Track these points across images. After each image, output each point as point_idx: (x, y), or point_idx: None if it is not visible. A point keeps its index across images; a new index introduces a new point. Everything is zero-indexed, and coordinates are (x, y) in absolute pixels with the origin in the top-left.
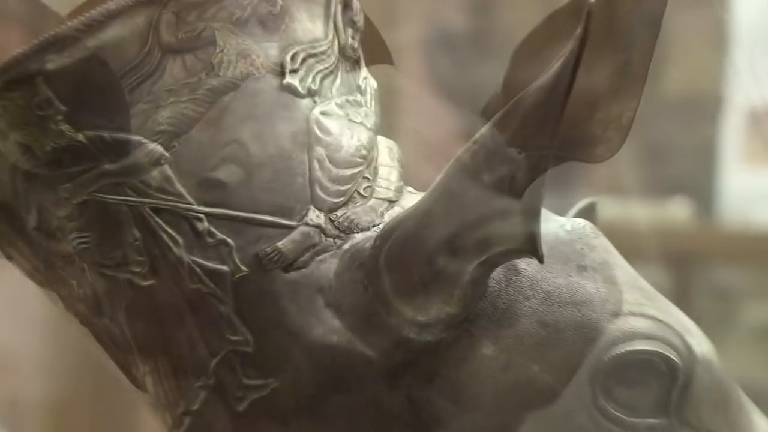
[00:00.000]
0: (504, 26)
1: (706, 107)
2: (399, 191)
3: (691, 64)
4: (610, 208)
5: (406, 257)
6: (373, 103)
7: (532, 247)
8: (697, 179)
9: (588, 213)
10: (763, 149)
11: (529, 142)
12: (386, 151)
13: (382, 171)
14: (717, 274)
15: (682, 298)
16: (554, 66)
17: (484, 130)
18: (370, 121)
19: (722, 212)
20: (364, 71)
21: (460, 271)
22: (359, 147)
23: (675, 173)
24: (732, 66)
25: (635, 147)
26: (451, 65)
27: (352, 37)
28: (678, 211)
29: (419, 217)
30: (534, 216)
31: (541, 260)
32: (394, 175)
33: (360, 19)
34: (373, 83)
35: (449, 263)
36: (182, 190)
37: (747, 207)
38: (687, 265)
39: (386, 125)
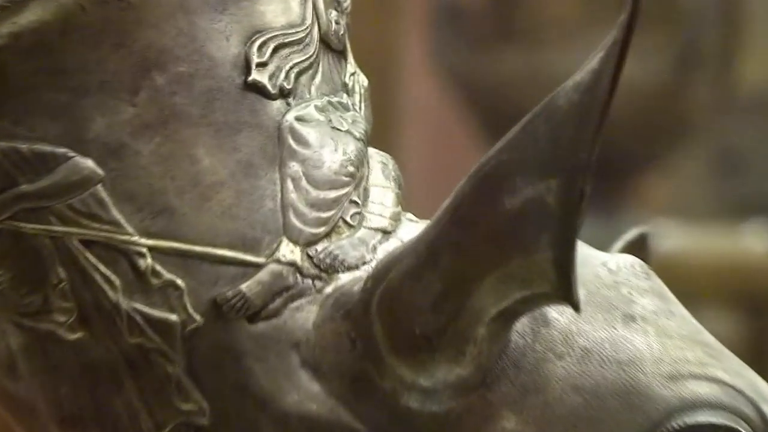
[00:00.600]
0: (528, 2)
1: None
2: (396, 219)
3: None
4: (668, 238)
5: (405, 303)
6: (363, 105)
7: (565, 291)
8: None
9: (638, 246)
10: None
11: (562, 155)
12: (380, 167)
13: (375, 193)
14: None
15: (759, 354)
16: (593, 59)
17: (505, 140)
18: (359, 129)
19: None
20: (351, 65)
21: (474, 322)
22: (345, 162)
23: (754, 190)
24: None
25: (703, 157)
26: (463, 50)
27: (337, 22)
28: (756, 239)
29: (422, 252)
30: (568, 252)
31: (577, 308)
32: (389, 199)
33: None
34: (363, 80)
35: (459, 312)
36: (119, 217)
37: None
38: (767, 311)
39: (380, 134)
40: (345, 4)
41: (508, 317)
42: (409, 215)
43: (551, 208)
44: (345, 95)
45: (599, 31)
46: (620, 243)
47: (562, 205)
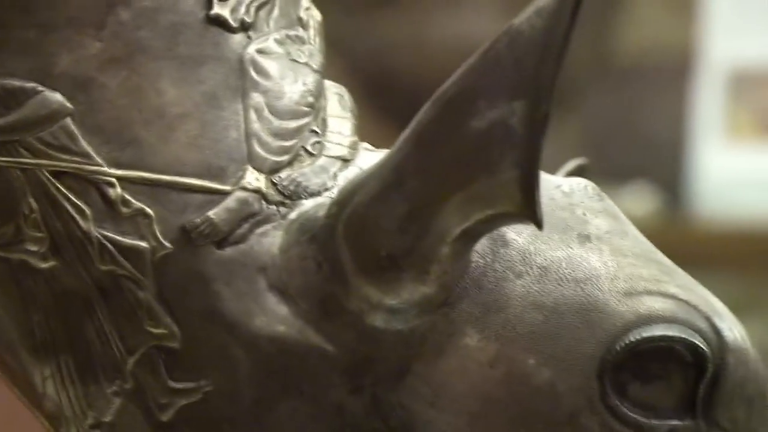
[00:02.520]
0: None
1: (672, 71)
2: (354, 148)
3: (651, 16)
4: None
5: (371, 226)
6: (317, 39)
7: (529, 210)
8: (663, 161)
9: (577, 176)
10: (748, 121)
11: (526, 79)
12: (336, 98)
13: (333, 123)
14: None
15: None
16: None
17: (466, 66)
18: (316, 62)
19: (696, 203)
20: (305, 0)
21: (438, 242)
22: (305, 93)
23: (636, 153)
24: (705, 17)
25: (582, 121)
26: (342, 15)
27: None
28: (640, 201)
29: (386, 176)
30: (532, 171)
31: (540, 226)
32: (346, 128)
33: None
34: (316, 15)
35: (424, 232)
36: (88, 148)
37: (728, 196)
38: None
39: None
40: None
41: (471, 237)
42: (366, 144)
43: (515, 129)
44: (301, 29)
45: None
46: (560, 173)
47: (526, 126)
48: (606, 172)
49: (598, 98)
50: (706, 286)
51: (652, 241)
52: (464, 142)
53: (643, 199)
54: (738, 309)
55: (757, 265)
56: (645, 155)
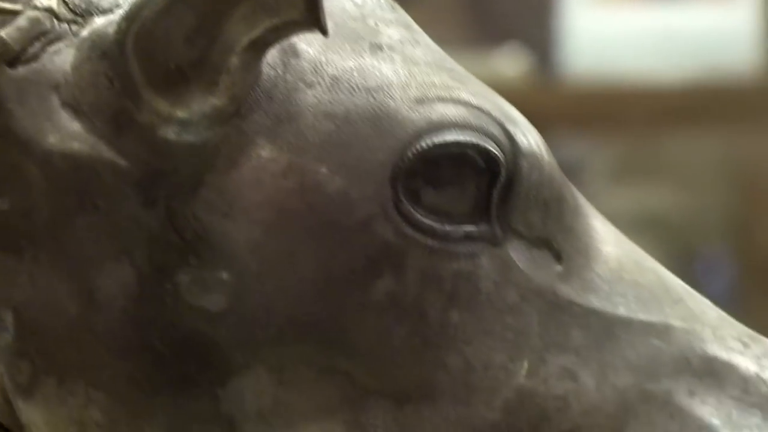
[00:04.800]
0: None
1: None
2: None
3: None
4: None
5: (159, 39)
6: None
7: (313, 16)
8: (534, 22)
9: None
10: None
11: None
12: None
13: None
14: (562, 146)
15: None
16: None
17: None
18: None
19: (566, 63)
20: None
21: (226, 53)
22: None
23: (507, 15)
24: None
25: None
26: None
27: None
28: (508, 63)
29: None
30: None
31: (324, 32)
32: None
33: None
34: None
35: (212, 43)
36: None
37: (598, 55)
38: None
39: None
40: None
41: (259, 47)
42: None
43: None
44: None
45: None
46: None
47: None
48: (478, 33)
49: None
50: (580, 145)
51: (525, 102)
52: None
53: (515, 60)
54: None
55: (628, 123)
56: (515, 17)
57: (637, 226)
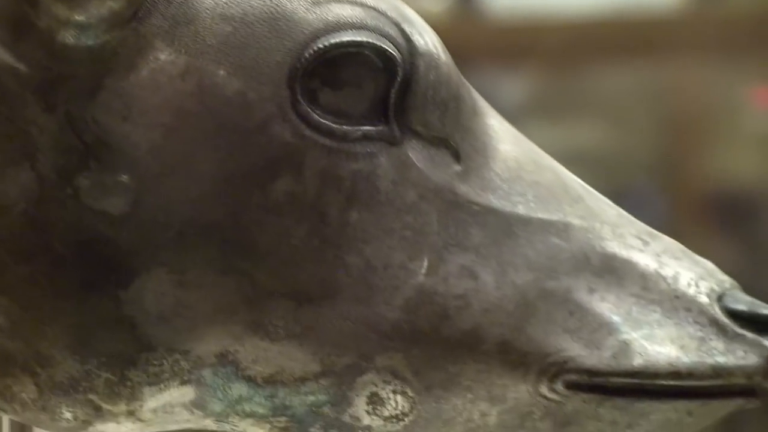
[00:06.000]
0: None
1: None
2: None
3: None
4: None
5: None
6: None
7: None
8: None
9: None
10: None
11: None
12: None
13: None
14: (485, 82)
15: None
16: None
17: None
18: None
19: None
20: None
21: None
22: None
23: None
24: None
25: None
26: None
27: None
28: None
29: None
30: None
31: None
32: None
33: None
34: None
35: None
36: None
37: None
38: None
39: None
40: None
41: None
42: None
43: None
44: None
45: None
46: None
47: None
48: None
49: None
50: (502, 81)
51: (448, 38)
52: None
53: None
54: (535, 102)
55: (550, 56)
56: None
57: (563, 162)
